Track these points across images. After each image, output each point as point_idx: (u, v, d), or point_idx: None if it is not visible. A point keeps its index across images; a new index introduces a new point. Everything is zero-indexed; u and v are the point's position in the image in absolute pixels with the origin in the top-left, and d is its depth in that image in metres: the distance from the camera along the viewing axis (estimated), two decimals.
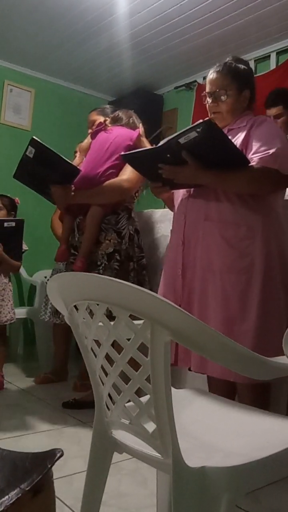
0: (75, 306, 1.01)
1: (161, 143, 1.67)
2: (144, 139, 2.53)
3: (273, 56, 3.65)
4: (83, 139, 2.95)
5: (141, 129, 2.56)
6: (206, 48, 3.67)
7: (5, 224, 2.79)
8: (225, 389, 1.75)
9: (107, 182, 2.40)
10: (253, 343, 1.57)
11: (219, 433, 1.09)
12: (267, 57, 3.70)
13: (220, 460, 0.93)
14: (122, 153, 1.96)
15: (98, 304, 0.94)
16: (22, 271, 3.98)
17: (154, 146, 1.77)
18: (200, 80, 4.13)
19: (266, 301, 1.63)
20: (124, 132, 2.49)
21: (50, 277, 3.11)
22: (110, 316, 0.92)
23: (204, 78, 4.09)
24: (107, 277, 0.88)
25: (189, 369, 1.71)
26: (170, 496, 0.86)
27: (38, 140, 2.20)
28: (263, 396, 1.73)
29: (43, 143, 2.20)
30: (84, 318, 1.01)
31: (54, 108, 4.41)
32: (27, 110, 4.26)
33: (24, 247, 2.99)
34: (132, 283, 2.34)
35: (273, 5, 3.06)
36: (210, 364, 1.61)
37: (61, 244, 2.59)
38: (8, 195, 3.14)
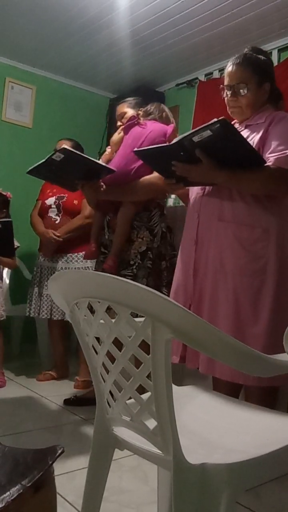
0: (76, 304, 1.01)
1: (175, 140, 1.63)
2: (177, 135, 2.47)
3: (275, 53, 3.63)
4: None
5: (174, 124, 2.47)
6: (207, 45, 3.66)
7: None
8: (230, 388, 1.72)
9: (142, 179, 2.29)
10: (264, 347, 1.54)
11: (220, 430, 1.10)
12: (268, 54, 3.68)
13: (220, 457, 0.93)
14: (136, 149, 1.90)
15: (99, 302, 0.94)
16: (23, 268, 3.98)
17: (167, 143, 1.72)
18: (201, 77, 4.11)
19: (278, 305, 1.61)
20: (158, 127, 2.38)
21: (33, 274, 3.12)
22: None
23: (206, 75, 4.09)
24: (108, 274, 0.88)
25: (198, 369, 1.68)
26: (171, 493, 0.86)
27: (71, 149, 2.06)
28: (270, 398, 1.71)
29: (77, 152, 2.06)
30: (85, 316, 1.01)
31: (55, 105, 4.40)
32: (28, 107, 4.25)
33: (16, 243, 2.95)
34: (166, 283, 2.31)
35: (274, 2, 3.04)
36: (219, 366, 1.59)
37: (91, 242, 2.47)
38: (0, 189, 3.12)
